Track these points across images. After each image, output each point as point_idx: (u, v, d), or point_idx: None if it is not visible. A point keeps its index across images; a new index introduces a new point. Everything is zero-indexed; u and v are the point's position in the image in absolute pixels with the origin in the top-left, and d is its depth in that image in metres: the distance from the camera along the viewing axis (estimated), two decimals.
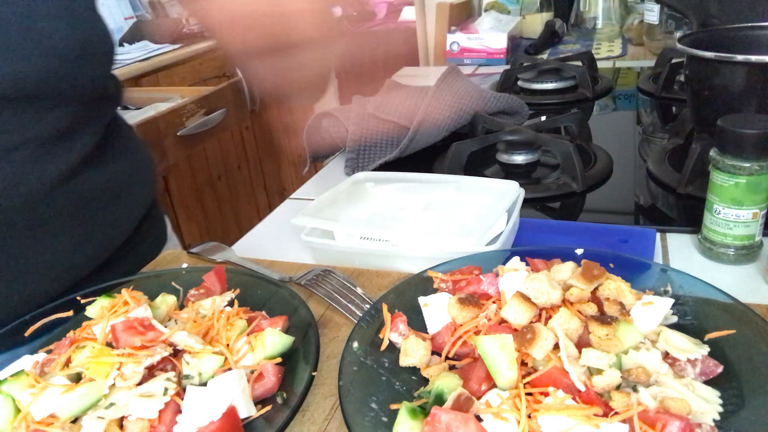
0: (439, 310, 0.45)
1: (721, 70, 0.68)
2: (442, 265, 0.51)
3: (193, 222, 1.90)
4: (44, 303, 0.52)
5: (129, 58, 1.99)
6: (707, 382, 0.39)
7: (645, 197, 0.73)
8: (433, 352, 0.44)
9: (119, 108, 0.68)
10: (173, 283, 0.55)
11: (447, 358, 0.43)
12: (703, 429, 0.35)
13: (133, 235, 0.66)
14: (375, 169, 0.85)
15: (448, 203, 0.63)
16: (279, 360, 0.44)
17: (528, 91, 1.22)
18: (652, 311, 0.42)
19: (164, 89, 1.90)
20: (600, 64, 1.33)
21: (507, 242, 0.58)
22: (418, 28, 1.84)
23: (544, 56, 1.55)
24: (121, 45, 2.14)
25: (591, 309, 0.42)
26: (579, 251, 0.51)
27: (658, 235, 0.62)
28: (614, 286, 0.44)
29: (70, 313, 0.52)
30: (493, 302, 0.45)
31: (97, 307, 0.49)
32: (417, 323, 0.46)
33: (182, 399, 0.40)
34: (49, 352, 0.46)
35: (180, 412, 0.39)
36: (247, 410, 0.40)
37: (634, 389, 0.37)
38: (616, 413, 0.35)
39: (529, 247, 0.56)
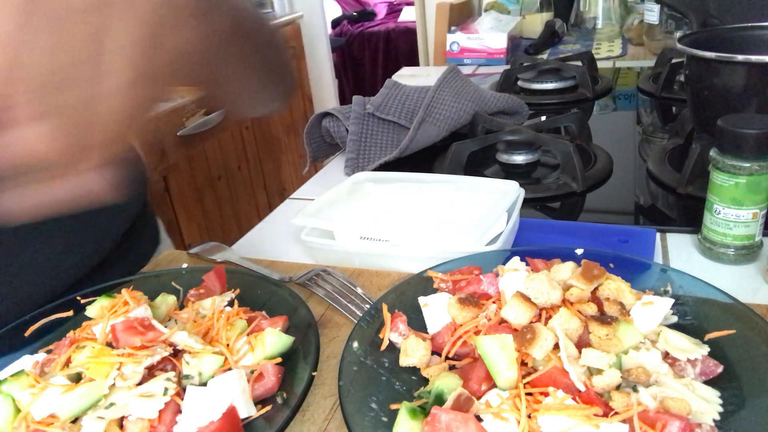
0: (439, 310, 0.45)
1: (721, 70, 0.68)
2: (442, 265, 0.51)
3: (193, 222, 1.90)
4: (36, 307, 0.52)
5: None
6: (707, 382, 0.39)
7: (645, 197, 0.73)
8: (433, 352, 0.44)
9: None
10: (173, 283, 0.55)
11: (447, 358, 0.43)
12: (703, 429, 0.35)
13: (125, 237, 0.66)
14: (375, 169, 0.85)
15: (448, 203, 0.63)
16: (279, 360, 0.44)
17: (528, 91, 1.22)
18: (652, 311, 0.42)
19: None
20: (600, 64, 1.33)
21: (507, 242, 0.58)
22: (418, 28, 1.85)
23: (544, 56, 1.55)
24: None
25: (591, 309, 0.42)
26: (579, 251, 0.51)
27: (658, 235, 0.62)
28: (614, 286, 0.44)
29: (70, 313, 0.52)
30: (493, 302, 0.45)
31: (97, 307, 0.49)
32: (417, 323, 0.46)
33: (182, 399, 0.40)
34: (49, 352, 0.46)
35: (180, 412, 0.39)
36: (247, 410, 0.40)
37: (634, 389, 0.37)
38: (616, 413, 0.35)
39: (529, 247, 0.56)
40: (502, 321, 0.43)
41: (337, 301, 0.53)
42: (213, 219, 2.01)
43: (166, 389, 0.40)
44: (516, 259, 0.49)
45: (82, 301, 0.51)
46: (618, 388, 0.37)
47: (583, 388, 0.36)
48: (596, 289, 0.44)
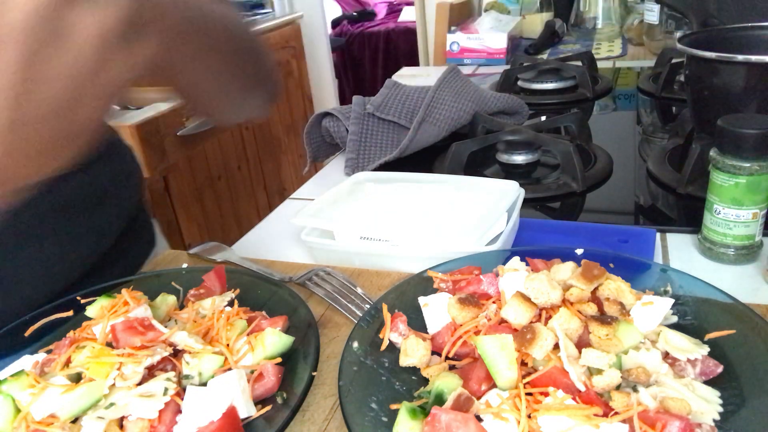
0: (439, 310, 0.45)
1: (721, 70, 0.68)
2: (442, 265, 0.51)
3: (193, 222, 1.90)
4: (32, 309, 0.52)
5: None
6: (707, 382, 0.39)
7: (645, 197, 0.73)
8: (433, 352, 0.44)
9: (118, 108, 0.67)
10: (173, 283, 0.55)
11: (447, 358, 0.43)
12: (703, 429, 0.35)
13: (119, 240, 0.65)
14: (375, 169, 0.85)
15: (448, 203, 0.63)
16: (279, 360, 0.44)
17: (528, 91, 1.22)
18: (652, 311, 0.42)
19: (164, 89, 1.90)
20: (600, 64, 1.33)
21: (507, 242, 0.58)
22: (418, 28, 1.85)
23: (544, 56, 1.55)
24: None
25: (591, 309, 0.42)
26: (579, 251, 0.51)
27: (658, 235, 0.62)
28: (614, 286, 0.44)
29: (70, 313, 0.52)
30: (493, 302, 0.45)
31: (97, 307, 0.49)
32: (417, 323, 0.46)
33: (182, 399, 0.40)
34: (49, 352, 0.46)
35: (180, 412, 0.39)
36: (247, 410, 0.40)
37: (634, 389, 0.37)
38: (616, 413, 0.35)
39: (529, 247, 0.56)
40: (502, 321, 0.43)
41: (337, 301, 0.53)
42: (213, 219, 2.01)
43: (166, 389, 0.40)
44: (516, 259, 0.49)
45: (82, 301, 0.51)
46: (618, 388, 0.37)
47: (583, 388, 0.36)
48: (596, 289, 0.44)
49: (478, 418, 0.36)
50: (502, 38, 1.50)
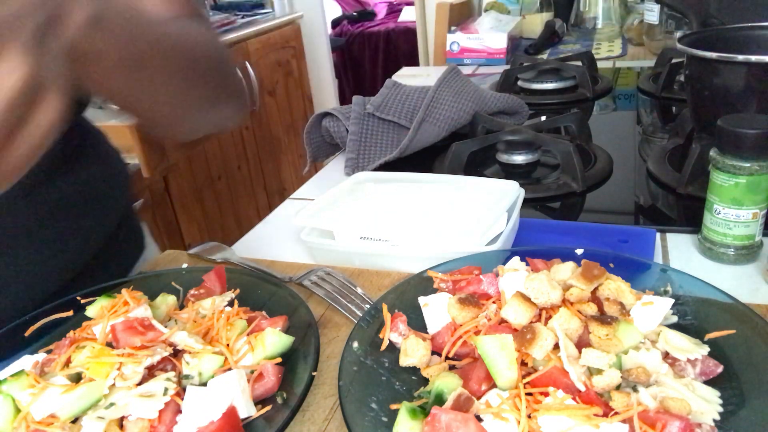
0: (439, 310, 0.45)
1: (721, 70, 0.68)
2: (442, 265, 0.51)
3: (193, 222, 1.90)
4: (19, 315, 0.51)
5: None
6: (707, 382, 0.39)
7: (645, 197, 0.73)
8: (433, 352, 0.44)
9: (88, 109, 0.65)
10: (173, 283, 0.55)
11: (447, 358, 0.43)
12: (703, 429, 0.35)
13: (108, 243, 0.64)
14: (375, 169, 0.85)
15: (448, 203, 0.63)
16: (279, 360, 0.44)
17: (528, 91, 1.22)
18: (652, 311, 0.42)
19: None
20: (600, 64, 1.33)
21: (507, 242, 0.58)
22: (418, 28, 1.85)
23: (544, 56, 1.55)
24: None
25: (591, 309, 0.42)
26: (579, 251, 0.51)
27: (658, 235, 0.62)
28: (614, 286, 0.44)
29: (70, 313, 0.52)
30: (493, 302, 0.45)
31: (97, 307, 0.49)
32: (417, 323, 0.46)
33: (182, 399, 0.40)
34: (49, 352, 0.46)
35: (180, 412, 0.39)
36: (247, 410, 0.40)
37: (634, 389, 0.37)
38: (616, 413, 0.35)
39: (529, 247, 0.56)
40: (502, 321, 0.43)
41: (337, 301, 0.53)
42: (213, 219, 2.01)
43: (166, 389, 0.40)
44: (516, 259, 0.49)
45: (82, 301, 0.51)
46: (618, 388, 0.37)
47: (583, 388, 0.36)
48: (596, 289, 0.44)
49: (478, 418, 0.36)
50: (502, 38, 1.50)
